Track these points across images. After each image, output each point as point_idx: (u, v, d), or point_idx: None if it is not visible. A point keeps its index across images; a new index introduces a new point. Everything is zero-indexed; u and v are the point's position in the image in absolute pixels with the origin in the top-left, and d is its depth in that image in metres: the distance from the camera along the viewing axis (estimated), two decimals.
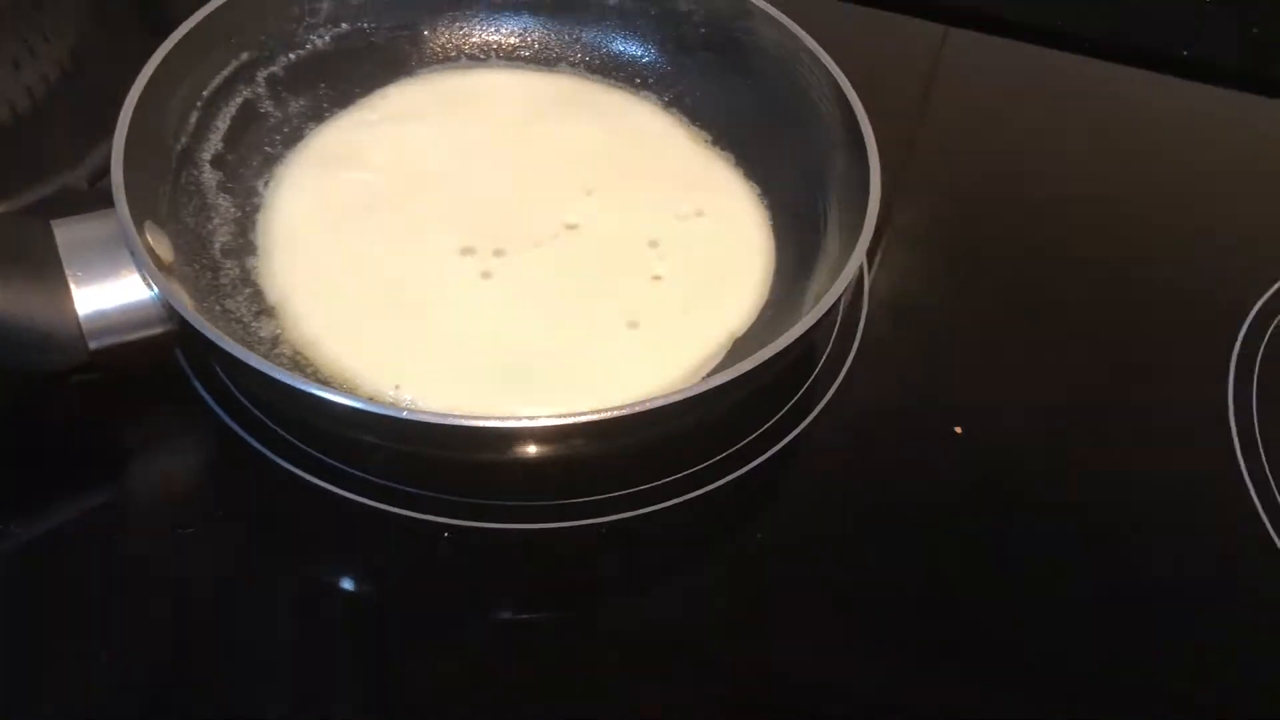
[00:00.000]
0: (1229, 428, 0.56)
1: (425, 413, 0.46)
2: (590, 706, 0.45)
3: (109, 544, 0.48)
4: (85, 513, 0.49)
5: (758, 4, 0.61)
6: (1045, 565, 0.51)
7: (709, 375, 0.52)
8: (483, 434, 0.45)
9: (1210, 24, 0.82)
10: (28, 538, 0.48)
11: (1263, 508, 0.53)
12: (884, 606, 0.49)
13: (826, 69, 0.58)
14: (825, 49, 0.59)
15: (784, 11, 0.61)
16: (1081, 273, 0.64)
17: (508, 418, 0.44)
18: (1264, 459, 0.55)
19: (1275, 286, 0.63)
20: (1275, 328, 0.61)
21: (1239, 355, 0.59)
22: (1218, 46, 0.80)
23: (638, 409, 0.44)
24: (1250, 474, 0.55)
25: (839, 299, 0.49)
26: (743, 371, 0.46)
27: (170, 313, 0.47)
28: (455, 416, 0.45)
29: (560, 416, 0.44)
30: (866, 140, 0.54)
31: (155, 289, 0.47)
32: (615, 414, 0.44)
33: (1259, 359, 0.59)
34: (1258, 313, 0.61)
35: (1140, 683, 0.48)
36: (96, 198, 0.49)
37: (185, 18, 0.56)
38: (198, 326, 0.46)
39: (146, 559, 0.48)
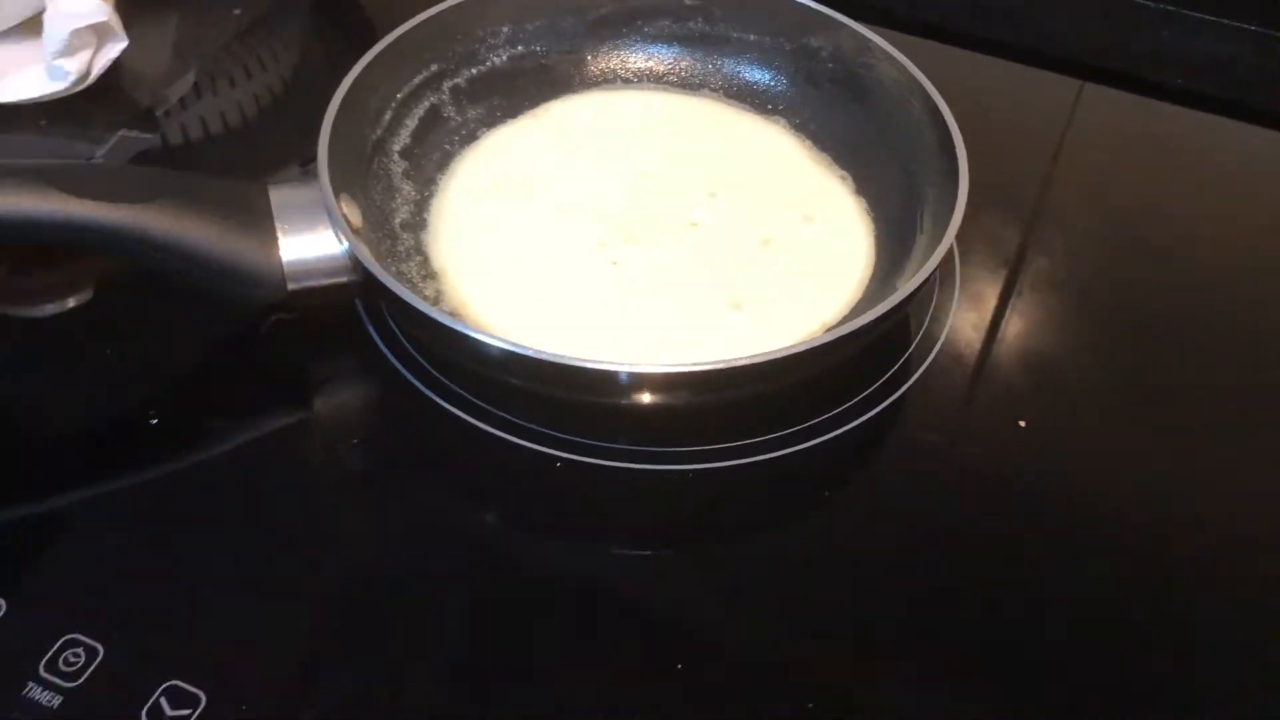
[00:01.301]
0: None
1: (557, 354, 0.54)
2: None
3: (294, 451, 0.59)
4: (275, 430, 0.60)
5: (877, 42, 0.69)
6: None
7: None
8: (593, 375, 0.53)
9: None
10: (232, 443, 0.59)
11: None
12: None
13: (934, 101, 0.65)
14: (940, 87, 0.66)
15: (913, 56, 0.68)
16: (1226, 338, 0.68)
17: (620, 363, 0.53)
18: None
19: None
20: None
21: None
22: None
23: (733, 363, 0.52)
24: None
25: (924, 282, 0.56)
26: (831, 339, 0.54)
27: (355, 265, 0.58)
28: (579, 359, 0.53)
29: (668, 366, 0.53)
30: (960, 164, 0.61)
31: (345, 244, 0.57)
32: (714, 367, 0.52)
33: None
34: None
35: None
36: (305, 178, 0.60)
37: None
38: (377, 275, 0.56)
39: (322, 465, 0.58)
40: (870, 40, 0.69)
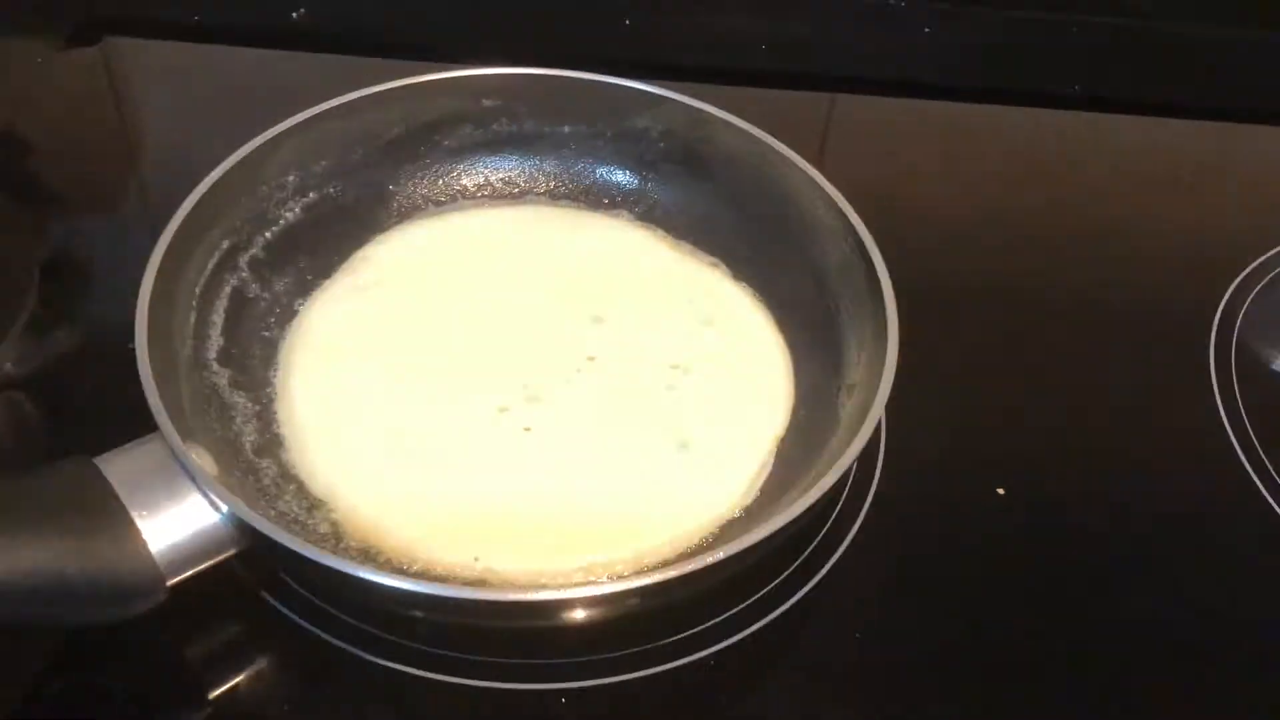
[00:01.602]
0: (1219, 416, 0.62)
1: (517, 594, 0.47)
2: None
3: None
4: None
5: (711, 112, 0.63)
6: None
7: (765, 486, 0.54)
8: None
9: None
10: None
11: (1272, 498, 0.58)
12: None
13: (797, 166, 0.61)
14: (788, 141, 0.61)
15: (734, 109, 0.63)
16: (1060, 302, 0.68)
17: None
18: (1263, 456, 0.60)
19: (1231, 287, 0.68)
20: (1240, 328, 0.66)
21: (1216, 361, 0.64)
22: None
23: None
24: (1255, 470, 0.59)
25: (851, 465, 0.49)
26: (802, 508, 0.47)
27: (243, 530, 0.46)
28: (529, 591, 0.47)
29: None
30: (863, 235, 0.56)
31: (225, 508, 0.45)
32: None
33: (1234, 367, 0.64)
34: (1222, 314, 0.67)
35: None
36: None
37: None
38: (286, 543, 0.44)
39: None
40: (702, 111, 0.64)
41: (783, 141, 0.61)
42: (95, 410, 0.57)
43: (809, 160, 0.60)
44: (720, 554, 0.45)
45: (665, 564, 0.49)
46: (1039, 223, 0.75)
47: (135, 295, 0.51)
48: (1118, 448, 0.61)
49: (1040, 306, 0.68)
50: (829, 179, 0.59)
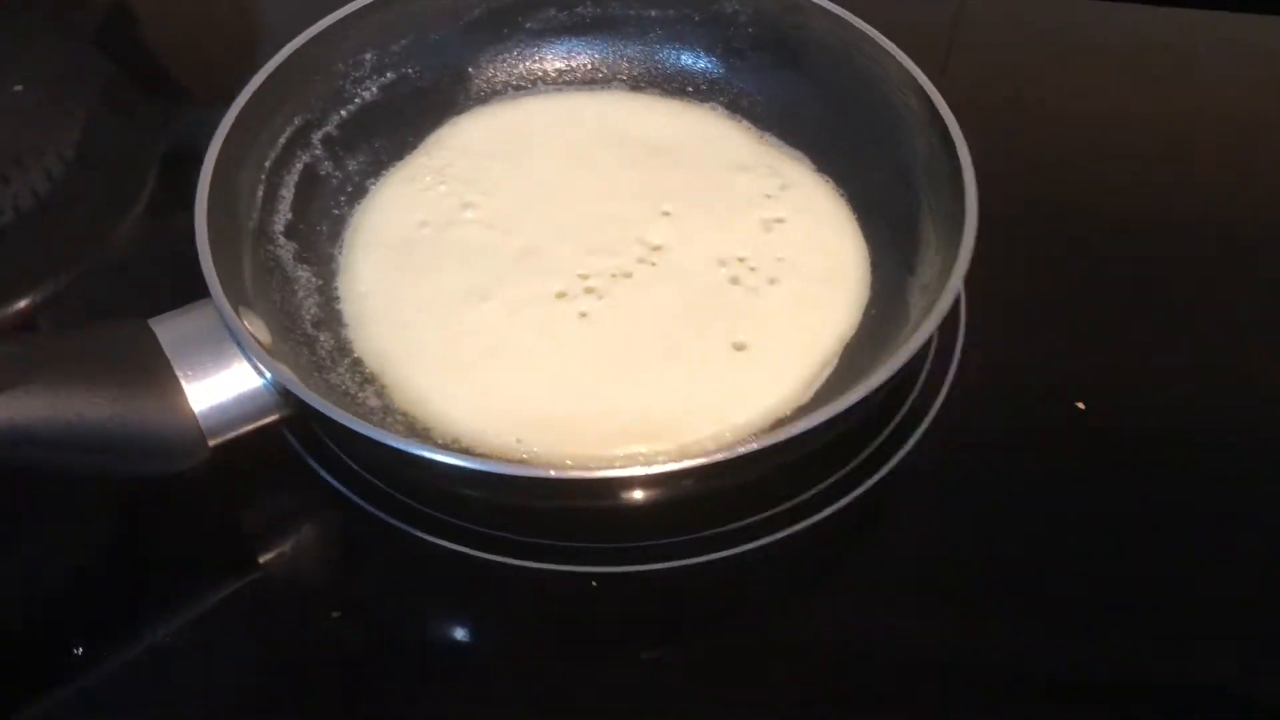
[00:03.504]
0: None
1: (545, 470, 0.46)
2: None
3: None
4: (228, 609, 0.48)
5: None
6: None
7: (824, 387, 0.52)
8: (595, 485, 0.44)
9: None
10: (179, 642, 0.47)
11: None
12: None
13: (892, 56, 0.57)
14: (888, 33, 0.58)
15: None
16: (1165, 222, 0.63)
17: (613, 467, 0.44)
18: None
19: None
20: None
21: None
22: None
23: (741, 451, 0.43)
24: None
25: (933, 333, 0.47)
26: (854, 401, 0.45)
27: (287, 398, 0.46)
28: (576, 472, 0.45)
29: (668, 463, 0.44)
30: (950, 126, 0.53)
31: (269, 375, 0.46)
32: (731, 455, 0.43)
33: None
34: None
35: None
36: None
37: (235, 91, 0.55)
38: (321, 409, 0.44)
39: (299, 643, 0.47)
40: None
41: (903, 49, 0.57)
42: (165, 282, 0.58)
43: (931, 69, 0.56)
44: (757, 445, 0.43)
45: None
46: (1160, 135, 0.68)
47: None
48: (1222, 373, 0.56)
49: (1144, 224, 0.63)
50: (948, 85, 0.55)
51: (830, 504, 0.50)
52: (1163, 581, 0.49)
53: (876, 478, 0.51)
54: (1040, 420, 0.54)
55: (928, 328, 0.46)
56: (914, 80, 0.55)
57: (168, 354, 0.46)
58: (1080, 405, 0.53)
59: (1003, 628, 0.48)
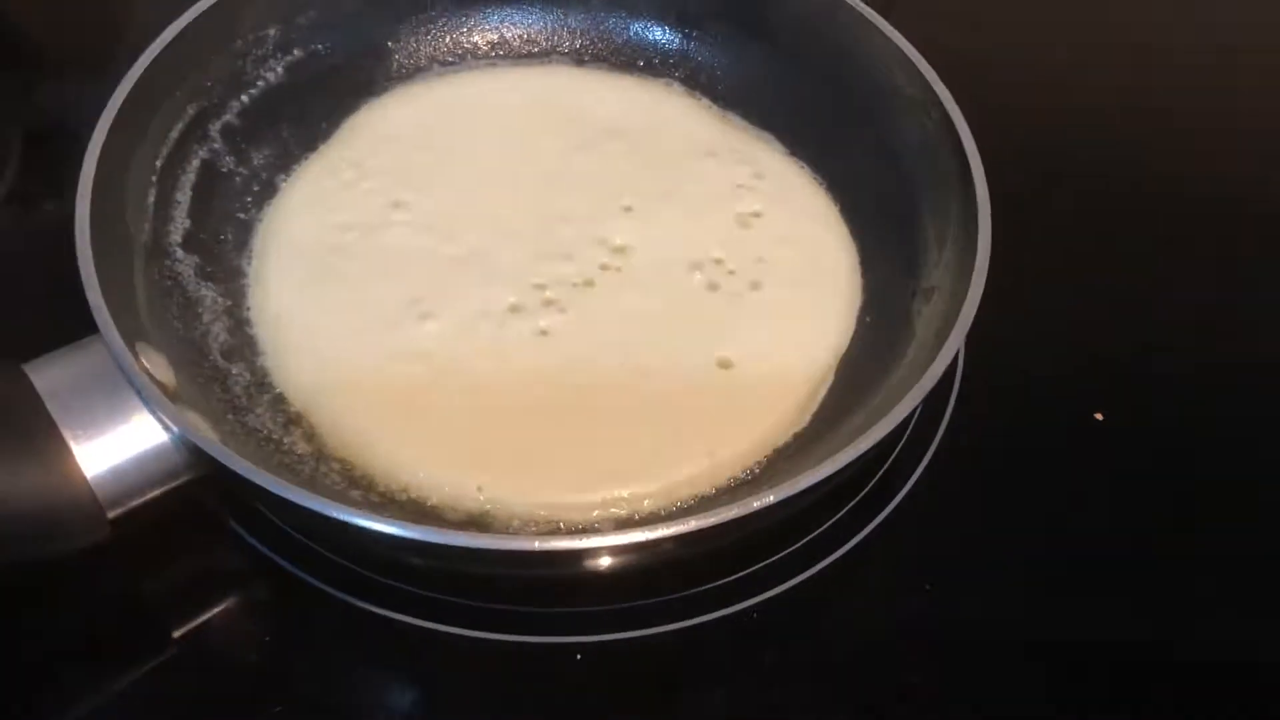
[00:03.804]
0: None
1: (513, 542, 0.38)
2: None
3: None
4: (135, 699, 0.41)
5: None
6: None
7: (822, 408, 0.46)
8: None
9: None
10: None
11: None
12: None
13: (871, 23, 0.51)
14: None
15: None
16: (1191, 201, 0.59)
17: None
18: None
19: None
20: None
21: None
22: None
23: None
24: None
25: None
26: (868, 446, 0.38)
27: (198, 456, 0.38)
28: (564, 539, 0.38)
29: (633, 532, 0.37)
30: (947, 103, 0.47)
31: (175, 429, 0.38)
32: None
33: None
34: None
35: None
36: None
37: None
38: (243, 473, 0.37)
39: None
40: None
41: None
42: (36, 308, 0.49)
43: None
44: (768, 498, 0.37)
45: (700, 501, 0.42)
46: (1175, 100, 0.64)
47: None
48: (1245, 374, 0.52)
49: (1166, 203, 0.59)
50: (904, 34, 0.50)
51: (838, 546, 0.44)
52: None
53: (880, 519, 0.45)
54: (1055, 432, 0.49)
55: (950, 348, 0.40)
56: (901, 53, 0.50)
57: (49, 408, 0.38)
58: (1099, 416, 0.48)
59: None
